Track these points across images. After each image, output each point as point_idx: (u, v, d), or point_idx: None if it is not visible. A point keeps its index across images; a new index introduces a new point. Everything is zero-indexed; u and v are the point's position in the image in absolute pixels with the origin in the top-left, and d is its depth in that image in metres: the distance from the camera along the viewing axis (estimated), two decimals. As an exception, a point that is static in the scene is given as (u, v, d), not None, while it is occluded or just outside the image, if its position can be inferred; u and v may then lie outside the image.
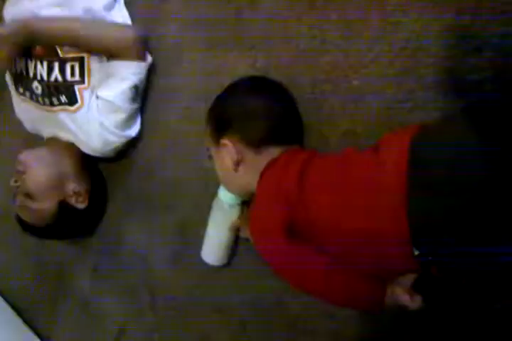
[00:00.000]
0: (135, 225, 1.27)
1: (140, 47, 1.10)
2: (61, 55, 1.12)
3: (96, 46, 1.09)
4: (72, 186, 1.18)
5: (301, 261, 0.74)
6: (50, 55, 1.13)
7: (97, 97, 1.11)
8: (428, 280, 0.71)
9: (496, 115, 0.61)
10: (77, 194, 1.19)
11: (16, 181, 1.17)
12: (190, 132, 1.11)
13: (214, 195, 0.99)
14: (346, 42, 0.85)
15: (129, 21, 1.18)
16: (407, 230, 0.62)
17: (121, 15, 1.16)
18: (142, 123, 1.19)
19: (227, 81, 0.94)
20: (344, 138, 0.87)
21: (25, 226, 1.24)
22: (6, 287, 1.72)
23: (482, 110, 0.66)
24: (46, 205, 1.17)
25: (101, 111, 1.10)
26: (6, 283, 1.72)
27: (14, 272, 1.72)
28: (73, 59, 1.12)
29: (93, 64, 1.13)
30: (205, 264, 1.06)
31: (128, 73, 1.08)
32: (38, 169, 1.17)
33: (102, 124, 1.10)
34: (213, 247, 1.01)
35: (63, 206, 1.18)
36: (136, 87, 1.11)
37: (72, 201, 1.19)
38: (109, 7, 1.15)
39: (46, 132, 1.26)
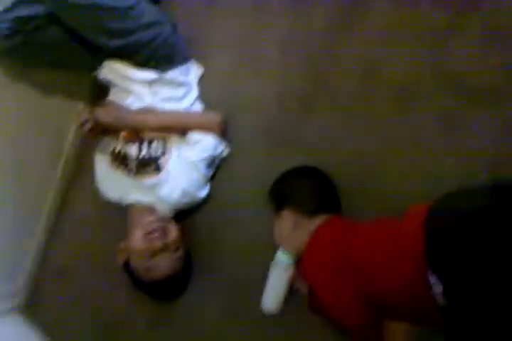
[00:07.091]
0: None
1: (223, 128, 1.44)
2: (145, 137, 1.42)
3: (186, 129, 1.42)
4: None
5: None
6: (138, 138, 1.42)
7: (179, 155, 1.39)
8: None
9: None
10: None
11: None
12: (250, 203, 1.36)
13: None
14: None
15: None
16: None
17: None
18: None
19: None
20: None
21: None
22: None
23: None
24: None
25: (184, 167, 1.37)
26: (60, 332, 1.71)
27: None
28: (157, 138, 1.42)
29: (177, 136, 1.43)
30: (257, 316, 1.25)
31: (209, 144, 1.39)
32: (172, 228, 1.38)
33: (186, 180, 1.36)
34: (273, 297, 1.22)
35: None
36: (213, 157, 1.40)
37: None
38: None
39: (130, 198, 1.43)
